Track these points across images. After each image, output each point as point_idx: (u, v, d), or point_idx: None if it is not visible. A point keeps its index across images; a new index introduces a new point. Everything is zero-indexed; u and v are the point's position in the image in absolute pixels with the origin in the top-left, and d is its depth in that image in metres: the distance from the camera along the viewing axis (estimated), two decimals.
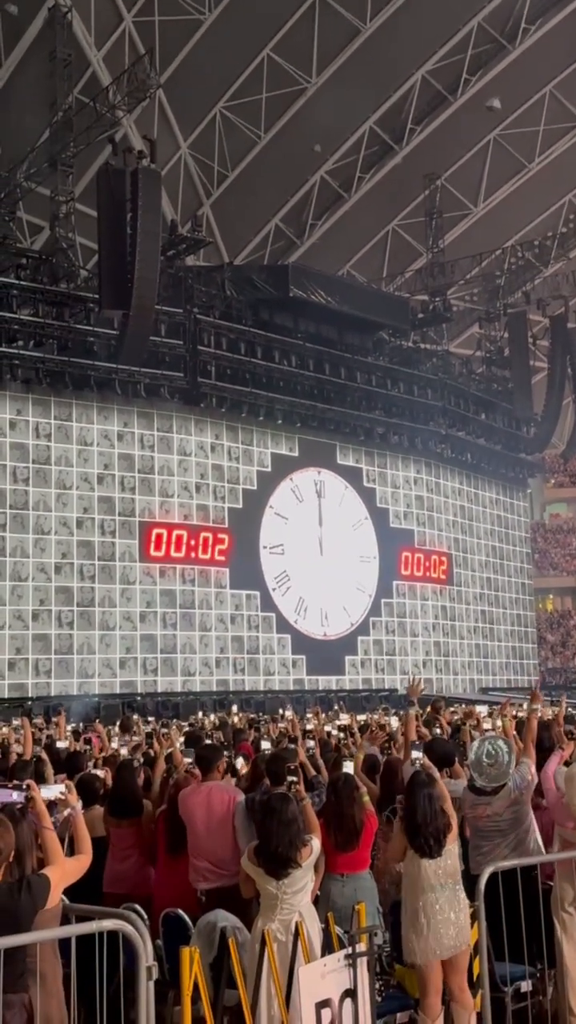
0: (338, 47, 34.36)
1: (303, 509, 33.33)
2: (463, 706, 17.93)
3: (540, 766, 6.88)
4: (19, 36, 31.37)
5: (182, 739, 10.67)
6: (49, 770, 8.01)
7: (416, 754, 6.69)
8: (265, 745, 9.53)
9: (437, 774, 6.14)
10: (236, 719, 16.63)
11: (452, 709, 15.60)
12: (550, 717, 11.08)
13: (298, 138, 35.98)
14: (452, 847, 5.81)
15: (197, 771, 7.07)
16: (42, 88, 27.51)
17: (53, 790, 4.80)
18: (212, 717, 18.38)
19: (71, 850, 4.73)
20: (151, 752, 9.54)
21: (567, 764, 6.68)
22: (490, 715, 10.68)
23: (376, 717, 14.96)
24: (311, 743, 9.20)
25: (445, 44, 35.03)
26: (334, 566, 33.74)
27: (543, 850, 6.66)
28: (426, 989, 5.71)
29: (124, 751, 10.47)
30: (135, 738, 11.83)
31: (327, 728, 12.14)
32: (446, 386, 35.82)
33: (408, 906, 5.81)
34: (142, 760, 9.04)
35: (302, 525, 33.07)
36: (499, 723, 9.86)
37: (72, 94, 27.63)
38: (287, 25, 33.65)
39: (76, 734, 13.49)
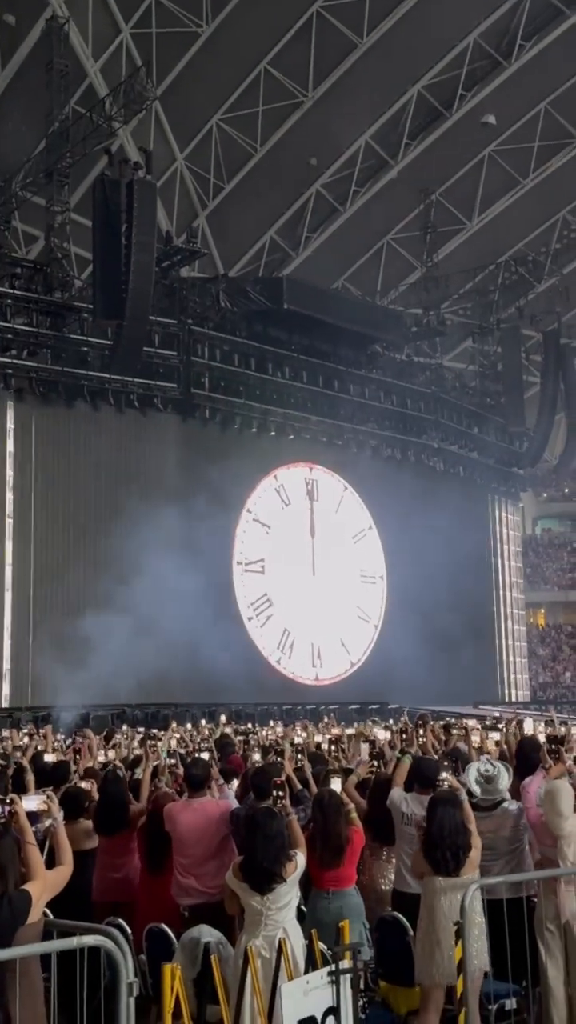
0: (335, 61, 34.49)
1: (290, 515, 30.68)
2: (454, 720, 17.90)
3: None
4: (16, 46, 31.45)
5: (176, 748, 10.64)
6: (29, 778, 7.98)
7: (444, 774, 6.68)
8: (255, 757, 9.51)
9: (464, 794, 6.14)
10: (228, 730, 16.57)
11: (443, 723, 15.57)
12: (540, 732, 11.09)
13: (294, 151, 36.09)
14: (472, 875, 5.78)
15: (175, 788, 7.06)
16: (38, 98, 27.56)
17: (34, 800, 4.79)
18: (203, 728, 18.29)
19: (52, 861, 4.71)
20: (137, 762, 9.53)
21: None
22: (484, 728, 10.64)
23: (359, 728, 14.91)
24: (298, 756, 9.16)
25: (441, 60, 35.17)
26: (330, 588, 30.24)
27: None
28: (427, 1006, 5.70)
29: (105, 758, 10.45)
30: (118, 751, 11.78)
31: (317, 739, 12.11)
32: (439, 400, 35.88)
33: (423, 927, 5.79)
34: (126, 770, 9.02)
35: (289, 535, 30.23)
36: (494, 737, 9.84)
37: (68, 105, 27.68)
38: (284, 39, 33.77)
39: (66, 745, 13.43)
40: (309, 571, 30.68)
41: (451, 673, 30.89)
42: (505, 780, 6.69)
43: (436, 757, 8.45)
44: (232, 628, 27.82)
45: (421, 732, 9.77)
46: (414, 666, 28.47)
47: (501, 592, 39.64)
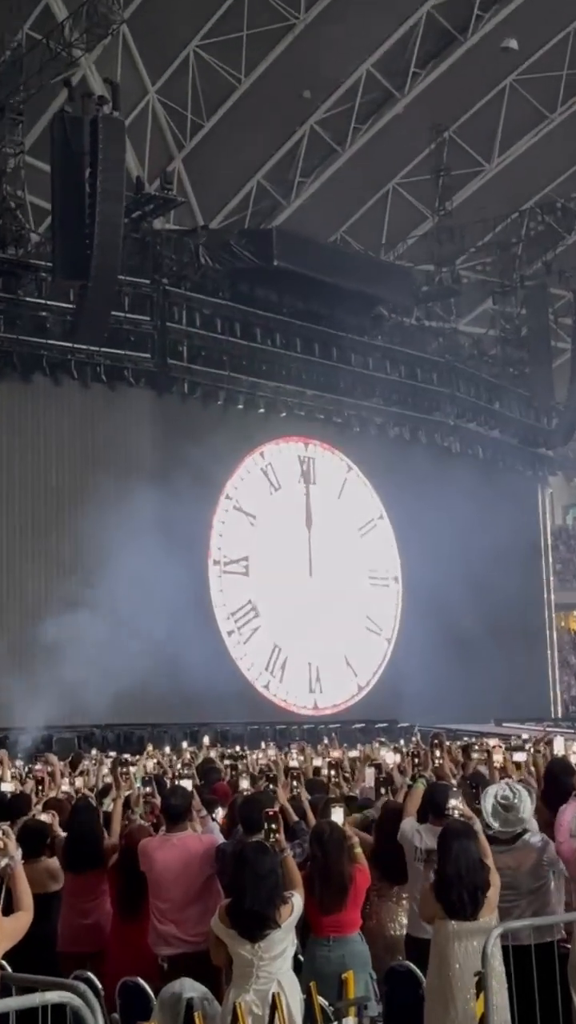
0: None
1: (280, 503, 30.21)
2: (473, 739, 17.93)
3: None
4: None
5: (152, 772, 10.65)
6: None
7: (453, 802, 6.71)
8: (243, 784, 9.54)
9: (479, 824, 6.16)
10: (212, 754, 16.59)
11: (461, 743, 15.59)
12: (573, 753, 11.11)
13: (284, 83, 35.93)
14: (490, 918, 5.80)
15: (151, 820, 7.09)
16: None
17: None
18: (184, 751, 18.32)
19: (9, 907, 4.71)
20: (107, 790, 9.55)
21: None
22: (508, 749, 10.66)
23: (364, 750, 14.93)
24: (295, 783, 9.19)
25: None
26: (331, 593, 29.23)
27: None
28: None
29: (71, 788, 10.46)
30: (86, 779, 11.80)
31: (316, 763, 12.15)
32: (454, 370, 35.84)
33: (433, 979, 5.81)
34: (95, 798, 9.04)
35: (278, 528, 29.59)
36: (519, 758, 9.84)
37: (22, 31, 27.56)
38: None
39: (25, 773, 13.43)
40: (304, 572, 29.98)
41: (470, 686, 30.87)
42: (527, 807, 6.69)
43: (454, 783, 8.48)
44: (210, 642, 27.21)
45: (437, 753, 9.80)
46: (428, 679, 28.49)
47: (529, 593, 39.68)
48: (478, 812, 6.60)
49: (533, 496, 41.01)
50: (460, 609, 30.19)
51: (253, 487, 29.67)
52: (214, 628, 28.15)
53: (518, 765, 8.82)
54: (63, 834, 7.87)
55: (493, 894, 5.87)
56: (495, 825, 6.62)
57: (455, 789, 7.27)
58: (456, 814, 6.45)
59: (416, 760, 9.87)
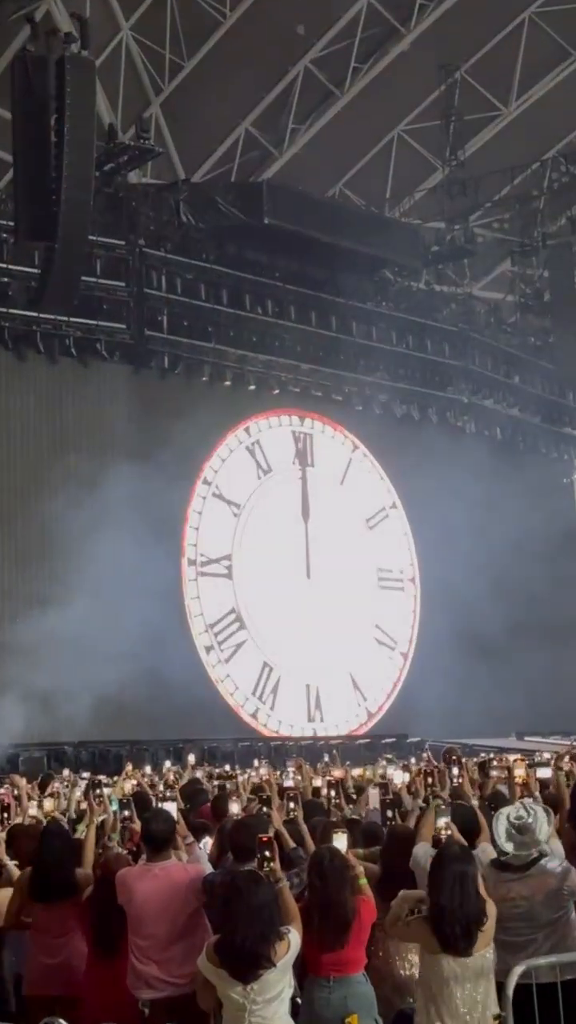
0: None
1: (271, 489, 29.59)
2: (491, 755, 17.98)
3: None
4: None
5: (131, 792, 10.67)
6: None
7: (442, 822, 6.74)
8: (233, 809, 9.56)
9: (469, 850, 6.21)
10: (199, 774, 16.63)
11: (477, 760, 15.62)
12: None
13: (275, 17, 35.85)
14: (487, 952, 5.84)
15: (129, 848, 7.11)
16: None
17: None
18: (167, 771, 18.37)
19: None
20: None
21: None
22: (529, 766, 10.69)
23: (366, 772, 14.99)
24: (291, 805, 9.22)
25: None
26: (333, 598, 28.03)
27: None
28: None
29: (40, 812, 10.50)
30: (57, 802, 11.85)
31: (316, 782, 12.19)
32: (469, 340, 35.85)
33: (422, 1012, 5.84)
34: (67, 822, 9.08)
35: (268, 519, 28.83)
36: (542, 774, 9.88)
37: None
38: None
39: None
40: (300, 573, 28.92)
41: (488, 695, 30.87)
42: (544, 828, 6.71)
43: (475, 803, 8.53)
44: (187, 660, 26.29)
45: (455, 771, 9.85)
46: (443, 689, 28.47)
47: (555, 590, 39.63)
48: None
49: (558, 481, 41.01)
50: (481, 611, 30.11)
51: (237, 470, 28.62)
52: (189, 642, 27.16)
53: (543, 784, 8.85)
54: (12, 863, 7.89)
55: (490, 927, 5.91)
56: (508, 849, 6.65)
57: (443, 807, 7.27)
58: (443, 836, 6.48)
59: (429, 779, 9.91)
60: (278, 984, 5.59)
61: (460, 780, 9.61)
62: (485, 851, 7.09)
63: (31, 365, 27.20)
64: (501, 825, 6.70)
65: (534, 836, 6.64)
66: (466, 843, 6.47)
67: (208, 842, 8.34)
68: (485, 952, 5.87)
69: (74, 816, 11.09)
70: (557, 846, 7.03)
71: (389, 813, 9.08)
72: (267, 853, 6.15)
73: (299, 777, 12.67)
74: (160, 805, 8.25)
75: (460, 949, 5.80)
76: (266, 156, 39.61)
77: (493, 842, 6.86)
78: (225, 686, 26.94)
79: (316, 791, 11.32)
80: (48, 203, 23.68)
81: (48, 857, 7.47)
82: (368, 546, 30.41)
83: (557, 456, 40.50)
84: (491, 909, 5.99)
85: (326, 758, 21.22)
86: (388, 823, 8.95)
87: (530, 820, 6.65)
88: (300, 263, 31.79)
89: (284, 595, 27.44)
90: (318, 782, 12.18)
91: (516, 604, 33.35)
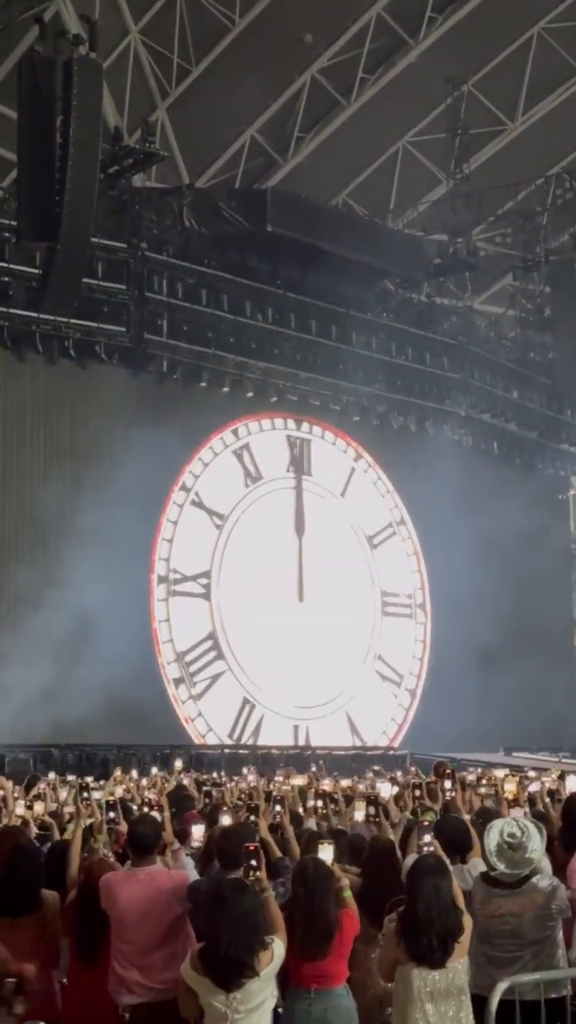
0: None
1: (260, 499, 28.23)
2: (478, 770, 17.97)
3: None
4: None
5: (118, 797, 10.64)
6: None
7: (427, 838, 6.72)
8: (225, 821, 9.55)
9: (448, 863, 6.21)
10: (186, 780, 16.62)
11: (468, 775, 15.61)
12: None
13: (284, 25, 35.93)
14: (459, 964, 5.84)
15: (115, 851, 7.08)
16: None
17: None
18: (154, 777, 18.35)
19: None
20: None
21: None
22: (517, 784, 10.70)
23: (354, 783, 14.99)
24: (278, 808, 9.22)
25: None
26: (329, 626, 25.78)
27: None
28: None
29: (26, 813, 10.48)
30: (44, 804, 11.80)
31: (298, 781, 12.20)
32: (468, 354, 35.88)
33: None
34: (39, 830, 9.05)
35: (257, 533, 27.01)
36: (533, 789, 9.88)
37: None
38: None
39: None
40: (292, 595, 26.70)
41: (477, 709, 30.83)
42: (537, 844, 6.70)
43: (467, 818, 8.53)
44: (154, 692, 24.33)
45: (448, 784, 9.83)
46: (431, 703, 28.42)
47: (549, 607, 39.65)
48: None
49: (553, 499, 41.02)
50: (485, 633, 29.96)
51: (221, 476, 26.66)
52: (154, 673, 25.16)
53: (532, 799, 8.85)
54: None
55: (465, 939, 5.92)
56: (500, 866, 6.64)
57: (425, 824, 7.27)
58: (426, 851, 6.49)
59: (417, 792, 9.90)
60: (261, 994, 5.58)
61: (453, 794, 9.60)
62: (476, 867, 7.08)
63: (30, 367, 27.23)
64: (493, 840, 6.68)
65: (526, 854, 6.62)
66: (445, 857, 6.45)
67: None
68: (457, 965, 5.86)
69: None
70: (545, 863, 7.03)
71: (375, 830, 9.08)
72: (253, 862, 6.14)
73: (288, 787, 12.68)
74: (146, 810, 8.21)
75: (434, 961, 5.80)
76: (271, 163, 39.70)
77: (485, 859, 6.85)
78: (195, 726, 24.51)
79: (302, 791, 11.35)
80: (51, 204, 23.73)
81: (16, 869, 7.26)
82: (371, 567, 28.12)
83: (553, 472, 40.53)
84: (468, 922, 5.99)
85: (313, 769, 21.21)
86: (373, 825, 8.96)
87: (523, 838, 6.63)
88: (302, 271, 31.84)
89: (271, 620, 25.05)
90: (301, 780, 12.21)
91: (510, 621, 33.42)
